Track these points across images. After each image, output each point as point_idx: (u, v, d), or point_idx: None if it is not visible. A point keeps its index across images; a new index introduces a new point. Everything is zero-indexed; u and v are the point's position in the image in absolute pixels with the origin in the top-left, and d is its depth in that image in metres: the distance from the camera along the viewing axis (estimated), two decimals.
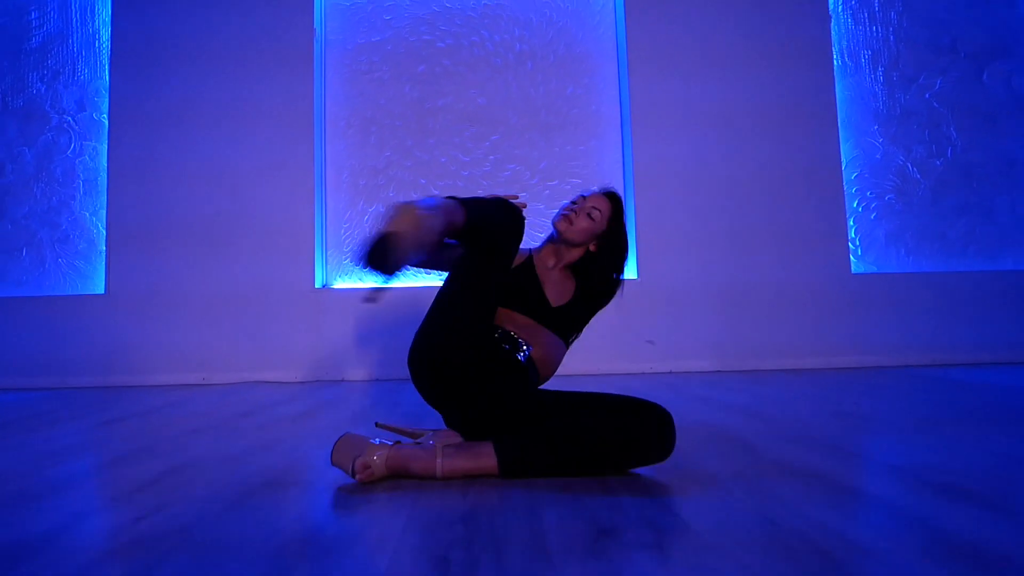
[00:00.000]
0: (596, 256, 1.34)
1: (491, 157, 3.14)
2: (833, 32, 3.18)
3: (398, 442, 1.07)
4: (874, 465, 1.11)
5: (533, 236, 2.79)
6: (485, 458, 1.03)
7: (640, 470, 1.05)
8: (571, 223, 1.33)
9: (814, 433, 1.34)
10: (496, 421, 1.13)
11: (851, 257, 3.08)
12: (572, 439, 1.02)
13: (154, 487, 1.00)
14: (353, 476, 1.01)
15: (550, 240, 1.40)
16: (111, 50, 3.09)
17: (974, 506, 0.81)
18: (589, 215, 1.33)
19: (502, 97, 3.17)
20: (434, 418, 1.54)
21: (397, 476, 1.03)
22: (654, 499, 0.88)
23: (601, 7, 3.22)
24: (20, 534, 0.78)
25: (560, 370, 1.42)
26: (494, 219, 1.15)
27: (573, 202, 1.37)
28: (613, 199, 1.39)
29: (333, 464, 1.04)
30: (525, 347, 1.23)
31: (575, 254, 1.35)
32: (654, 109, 3.04)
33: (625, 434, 1.01)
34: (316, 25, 3.11)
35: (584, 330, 1.38)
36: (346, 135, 3.15)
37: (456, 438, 1.13)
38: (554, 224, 1.35)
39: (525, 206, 1.26)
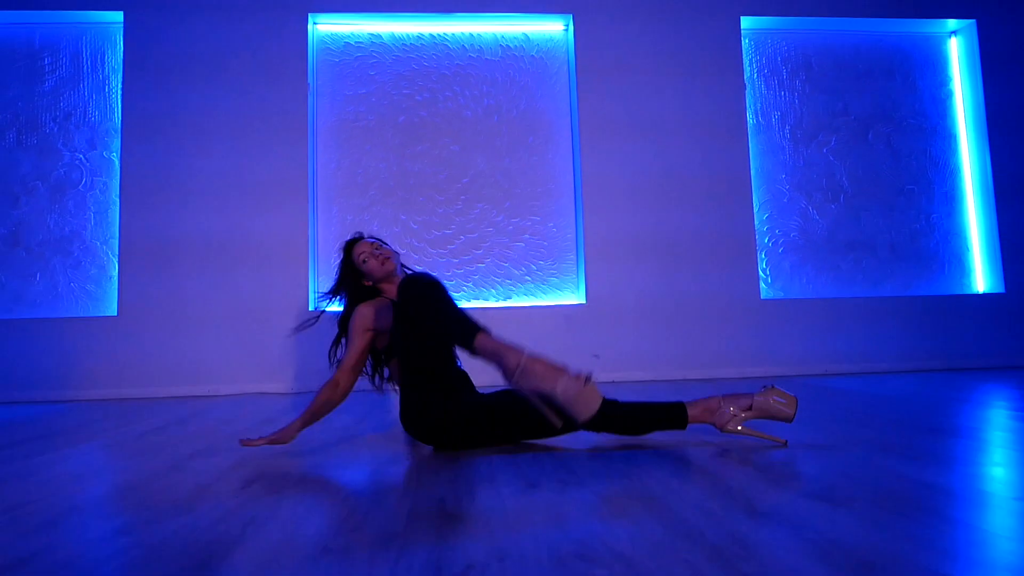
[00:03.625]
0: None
1: (462, 197, 3.64)
2: (748, 97, 3.82)
3: None
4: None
5: (511, 274, 3.32)
6: None
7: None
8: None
9: None
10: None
11: (762, 284, 3.71)
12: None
13: (224, 481, 1.46)
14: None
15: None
16: (123, 100, 3.45)
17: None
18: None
19: (471, 145, 3.68)
20: None
21: None
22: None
23: (556, 70, 3.77)
24: (109, 529, 1.23)
25: None
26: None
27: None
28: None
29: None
30: None
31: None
32: (602, 180, 3.60)
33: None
34: (310, 80, 3.55)
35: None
36: (336, 175, 3.60)
37: None
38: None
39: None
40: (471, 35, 3.74)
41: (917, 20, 3.89)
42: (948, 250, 3.85)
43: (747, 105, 3.79)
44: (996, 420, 1.89)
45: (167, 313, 3.34)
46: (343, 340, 1.84)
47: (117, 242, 3.41)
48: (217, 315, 3.35)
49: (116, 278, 3.40)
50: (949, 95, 3.94)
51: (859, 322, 3.67)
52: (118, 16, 3.50)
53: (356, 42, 3.69)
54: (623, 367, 3.47)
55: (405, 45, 3.71)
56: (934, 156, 3.91)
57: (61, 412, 2.73)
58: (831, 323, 3.65)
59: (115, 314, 3.35)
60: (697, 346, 3.52)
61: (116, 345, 3.30)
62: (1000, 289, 3.72)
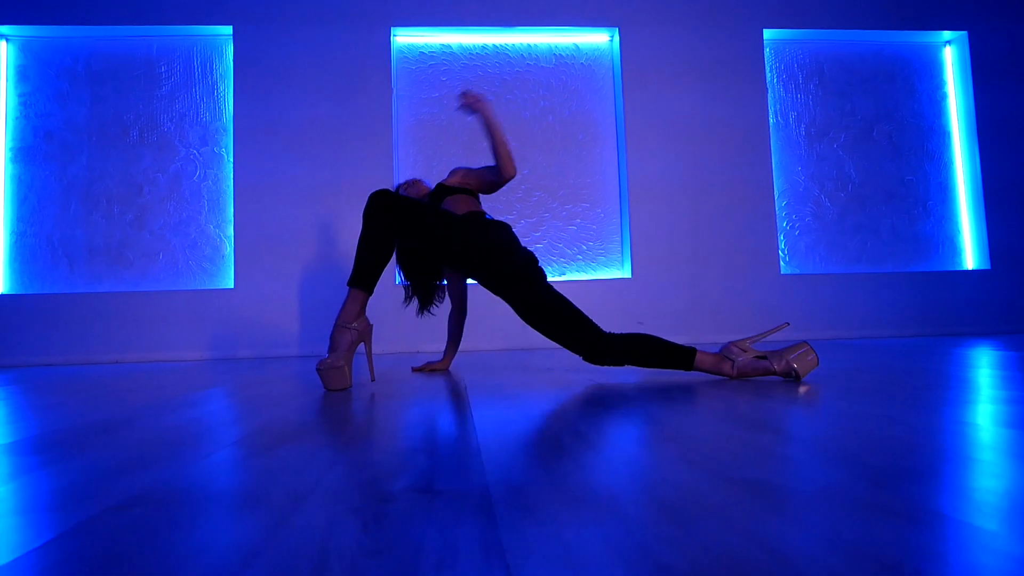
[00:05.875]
0: None
1: (523, 186, 4.20)
2: (769, 99, 4.38)
3: None
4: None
5: (553, 248, 3.89)
6: None
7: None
8: None
9: None
10: None
11: (781, 262, 4.28)
12: None
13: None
14: None
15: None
16: (234, 103, 3.99)
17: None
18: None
19: (530, 142, 4.23)
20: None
21: None
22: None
23: (602, 76, 4.33)
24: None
25: None
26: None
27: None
28: None
29: None
30: None
31: None
32: (644, 172, 4.17)
33: None
34: (392, 84, 4.10)
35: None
36: (414, 167, 4.16)
37: None
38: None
39: None
40: (528, 45, 4.29)
41: (916, 32, 4.45)
42: (942, 232, 4.43)
43: (768, 106, 4.35)
44: (982, 366, 2.47)
45: (277, 287, 3.90)
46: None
47: (232, 227, 3.97)
48: (316, 288, 3.91)
49: (231, 256, 3.96)
50: (944, 97, 4.51)
51: (864, 294, 4.24)
52: (227, 29, 4.04)
53: (429, 52, 4.24)
54: (663, 332, 4.03)
55: (471, 54, 4.26)
56: (930, 151, 4.48)
57: (193, 368, 3.29)
58: (840, 295, 4.23)
59: (232, 287, 3.91)
60: (727, 314, 4.10)
61: (233, 312, 3.86)
62: (986, 266, 4.30)
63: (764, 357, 1.64)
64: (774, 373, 1.62)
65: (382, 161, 4.03)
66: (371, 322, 1.75)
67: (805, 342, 1.63)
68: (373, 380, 1.85)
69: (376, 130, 4.03)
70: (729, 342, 1.73)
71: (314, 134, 4.01)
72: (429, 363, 2.34)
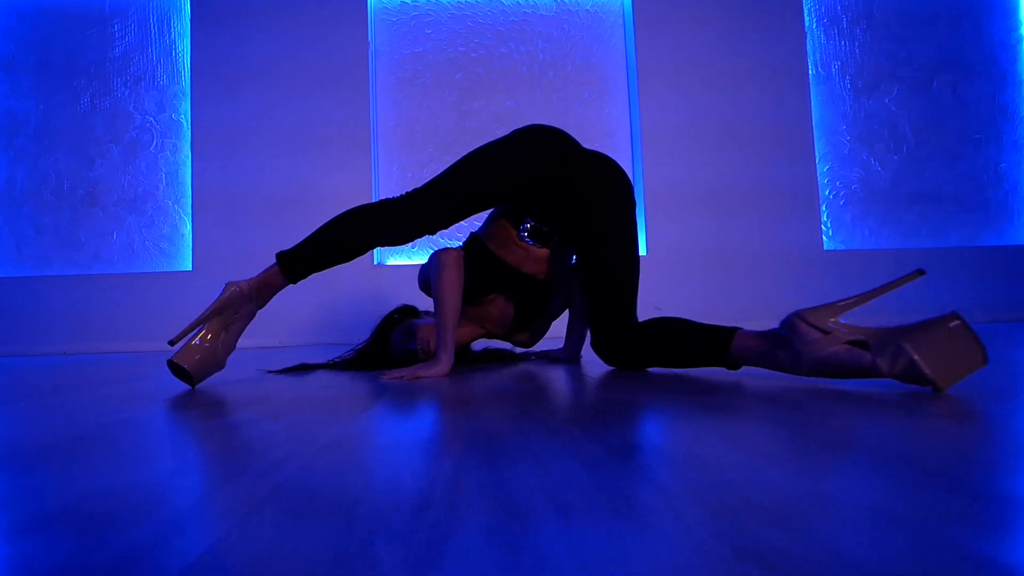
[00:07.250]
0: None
1: None
2: (809, 47, 3.75)
3: None
4: None
5: None
6: None
7: None
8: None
9: None
10: None
11: (824, 237, 3.66)
12: None
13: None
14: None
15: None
16: (192, 61, 3.55)
17: None
18: None
19: (527, 101, 3.69)
20: None
21: None
22: None
23: (612, 23, 3.75)
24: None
25: None
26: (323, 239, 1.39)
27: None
28: None
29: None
30: None
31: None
32: (660, 132, 3.59)
33: None
34: (369, 38, 3.60)
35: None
36: (395, 132, 3.66)
37: None
38: None
39: None
40: None
41: None
42: (1017, 199, 3.74)
43: (807, 54, 3.72)
44: None
45: (240, 267, 3.44)
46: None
47: (189, 201, 3.53)
48: None
49: (189, 235, 3.52)
50: (1019, 40, 3.80)
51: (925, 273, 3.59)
52: None
53: (412, 1, 3.72)
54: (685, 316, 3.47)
55: (460, 3, 3.73)
56: (1003, 104, 3.79)
57: (143, 360, 2.85)
58: (894, 274, 3.56)
59: (190, 269, 3.47)
60: (759, 297, 3.50)
61: (192, 298, 3.42)
62: None
63: (864, 344, 0.91)
64: (878, 375, 0.88)
65: (359, 125, 3.54)
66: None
67: (952, 318, 0.84)
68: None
69: (352, 89, 3.54)
70: (795, 312, 1.01)
71: (282, 95, 3.53)
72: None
